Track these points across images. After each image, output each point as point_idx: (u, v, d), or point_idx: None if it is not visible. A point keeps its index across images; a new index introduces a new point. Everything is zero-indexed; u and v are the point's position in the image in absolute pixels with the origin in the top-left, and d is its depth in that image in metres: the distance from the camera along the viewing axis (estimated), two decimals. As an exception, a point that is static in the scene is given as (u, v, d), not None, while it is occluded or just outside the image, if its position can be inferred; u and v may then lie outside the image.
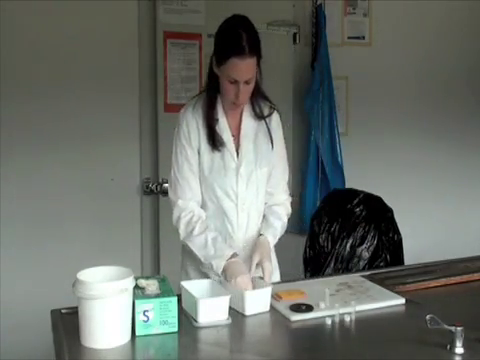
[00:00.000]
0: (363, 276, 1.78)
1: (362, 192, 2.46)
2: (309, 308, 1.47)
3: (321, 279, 1.82)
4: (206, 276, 1.69)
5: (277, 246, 1.91)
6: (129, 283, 1.32)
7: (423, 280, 1.69)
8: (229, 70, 1.63)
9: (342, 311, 1.45)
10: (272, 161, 1.81)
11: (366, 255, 2.35)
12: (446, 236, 3.30)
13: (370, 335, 1.40)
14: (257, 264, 1.66)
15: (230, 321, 1.42)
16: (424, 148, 3.36)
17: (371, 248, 2.40)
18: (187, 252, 1.77)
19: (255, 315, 1.47)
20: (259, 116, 1.79)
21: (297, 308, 1.47)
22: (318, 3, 3.18)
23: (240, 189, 1.75)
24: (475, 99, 3.47)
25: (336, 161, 3.09)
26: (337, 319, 1.43)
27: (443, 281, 1.69)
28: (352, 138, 3.26)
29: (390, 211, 2.43)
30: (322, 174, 3.08)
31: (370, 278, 1.74)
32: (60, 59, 2.51)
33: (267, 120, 1.80)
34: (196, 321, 1.40)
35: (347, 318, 1.43)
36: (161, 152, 2.69)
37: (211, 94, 1.73)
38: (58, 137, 2.53)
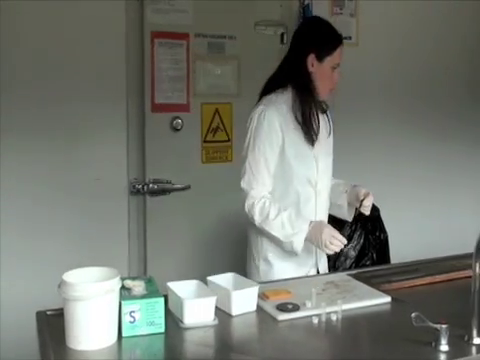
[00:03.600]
0: (349, 275, 1.79)
1: None
2: (296, 307, 1.48)
3: (308, 278, 1.82)
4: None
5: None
6: (115, 284, 1.32)
7: (409, 278, 1.70)
8: (337, 57, 1.89)
9: (328, 310, 1.45)
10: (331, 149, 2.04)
11: (353, 254, 2.37)
12: (432, 234, 3.32)
13: (356, 334, 1.41)
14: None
15: (217, 322, 1.42)
16: (413, 148, 3.38)
17: (358, 247, 2.41)
18: (265, 240, 1.90)
19: (242, 315, 1.47)
20: (324, 110, 2.01)
21: (284, 307, 1.48)
22: (305, 3, 3.19)
23: (319, 176, 1.94)
24: (463, 96, 3.51)
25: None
26: (324, 318, 1.44)
27: (428, 279, 1.70)
28: (339, 137, 3.25)
29: (377, 210, 2.44)
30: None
31: (356, 277, 1.75)
32: (46, 59, 2.49)
33: (327, 113, 2.03)
34: (182, 322, 1.40)
35: (334, 317, 1.44)
36: (148, 152, 2.69)
37: (305, 92, 1.89)
38: (44, 137, 2.51)
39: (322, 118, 2.00)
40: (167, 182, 2.73)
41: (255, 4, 2.96)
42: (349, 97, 3.29)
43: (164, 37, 2.75)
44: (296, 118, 1.88)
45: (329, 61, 1.89)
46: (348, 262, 2.16)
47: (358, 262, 2.38)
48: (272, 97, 1.92)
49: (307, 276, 1.87)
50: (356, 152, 3.30)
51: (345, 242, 1.79)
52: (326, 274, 1.86)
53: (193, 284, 1.53)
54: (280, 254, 1.89)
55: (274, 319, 1.44)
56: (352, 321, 1.45)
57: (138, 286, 1.43)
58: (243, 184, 1.89)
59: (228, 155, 2.94)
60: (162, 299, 1.38)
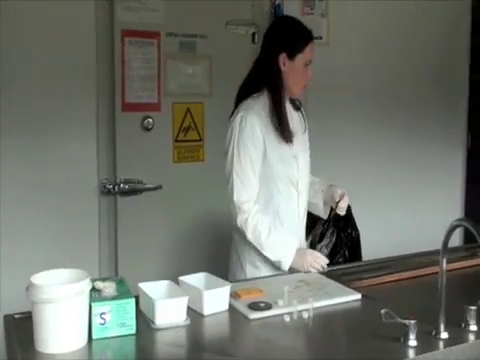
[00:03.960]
0: (321, 273, 1.81)
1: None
2: (268, 306, 1.48)
3: (279, 277, 1.83)
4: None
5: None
6: (85, 286, 1.30)
7: (378, 275, 1.73)
8: (308, 53, 1.91)
9: (300, 308, 1.46)
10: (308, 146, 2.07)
11: (325, 252, 2.38)
12: (402, 231, 3.38)
13: (327, 331, 1.42)
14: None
15: (188, 322, 1.41)
16: (383, 146, 3.42)
17: (330, 245, 2.44)
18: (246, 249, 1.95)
19: (214, 314, 1.47)
20: (297, 108, 2.05)
21: (256, 306, 1.48)
22: (276, 3, 3.20)
23: (300, 175, 1.97)
24: (431, 96, 3.58)
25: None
26: (295, 316, 1.45)
27: (397, 276, 1.73)
28: (311, 136, 3.29)
29: (349, 208, 2.47)
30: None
31: (327, 275, 1.77)
32: (16, 58, 2.44)
33: (302, 111, 2.07)
34: (154, 323, 1.39)
35: (305, 315, 1.45)
36: (119, 152, 2.66)
37: (276, 92, 1.91)
38: (13, 137, 2.46)
39: (297, 116, 2.03)
40: (138, 182, 2.71)
41: (226, 4, 2.96)
42: (319, 96, 3.32)
43: (134, 36, 2.73)
44: (272, 120, 1.89)
45: (301, 58, 1.90)
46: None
47: (331, 260, 2.40)
48: (250, 102, 1.92)
49: (279, 274, 1.88)
50: (326, 150, 3.32)
51: (327, 262, 1.88)
52: (297, 272, 1.87)
53: (165, 284, 1.52)
54: (268, 259, 1.93)
55: (246, 318, 1.45)
56: (323, 318, 1.46)
57: (109, 287, 1.41)
58: (235, 198, 1.89)
59: (200, 154, 2.93)
60: (133, 300, 1.37)
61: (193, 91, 2.93)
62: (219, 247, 2.92)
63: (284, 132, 1.89)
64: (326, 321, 1.46)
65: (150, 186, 2.75)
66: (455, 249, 2.03)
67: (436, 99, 3.60)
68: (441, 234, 1.36)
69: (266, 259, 1.92)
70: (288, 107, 2.01)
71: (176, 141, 2.87)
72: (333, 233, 2.45)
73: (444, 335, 1.32)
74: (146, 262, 2.68)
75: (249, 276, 1.93)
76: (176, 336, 1.36)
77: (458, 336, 1.33)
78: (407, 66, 3.47)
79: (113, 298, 1.36)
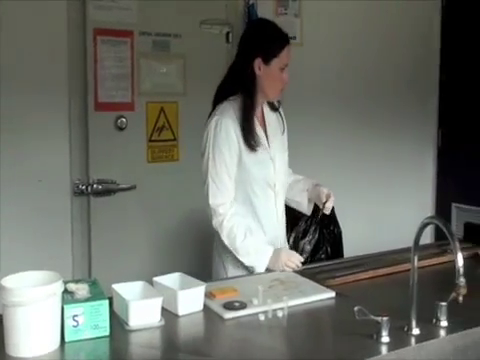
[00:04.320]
0: (295, 271, 1.82)
1: None
2: (242, 305, 1.49)
3: (254, 276, 1.84)
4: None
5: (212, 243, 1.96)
6: (57, 288, 1.28)
7: (352, 273, 1.75)
8: (284, 57, 1.89)
9: (274, 307, 1.47)
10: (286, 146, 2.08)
11: (308, 248, 2.41)
12: (382, 229, 3.42)
13: (302, 329, 1.43)
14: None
15: (163, 322, 1.40)
16: (356, 145, 3.46)
17: (313, 241, 2.46)
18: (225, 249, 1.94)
19: (188, 315, 1.47)
20: (275, 109, 2.06)
21: (230, 306, 1.48)
22: (250, 3, 3.20)
23: (276, 177, 1.97)
24: (406, 95, 3.63)
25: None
26: (270, 315, 1.45)
27: (370, 273, 1.75)
28: (287, 135, 3.31)
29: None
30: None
31: (302, 273, 1.79)
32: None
33: (280, 111, 2.08)
34: (127, 324, 1.38)
35: (280, 313, 1.46)
36: (92, 152, 2.63)
37: (249, 97, 1.90)
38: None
39: (274, 117, 2.04)
40: (112, 182, 2.69)
41: (200, 3, 2.96)
42: (294, 97, 3.33)
43: (107, 34, 2.70)
44: (241, 125, 1.89)
45: (276, 63, 1.89)
46: (304, 256, 2.21)
47: (313, 256, 2.44)
48: (226, 105, 1.92)
49: (254, 274, 1.88)
50: (303, 151, 3.34)
51: (302, 259, 1.88)
52: (272, 271, 1.88)
53: (139, 285, 1.51)
54: None
55: (221, 318, 1.45)
56: (297, 317, 1.47)
57: (81, 289, 1.39)
58: (211, 201, 1.90)
59: (174, 154, 2.92)
60: (106, 302, 1.35)
61: (167, 90, 2.92)
62: (194, 247, 2.91)
63: (248, 141, 1.88)
64: (300, 319, 1.47)
65: (124, 186, 2.72)
66: (426, 246, 2.06)
67: (408, 98, 3.66)
68: (414, 231, 1.38)
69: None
70: (265, 109, 2.02)
71: (150, 141, 2.85)
72: (316, 230, 2.48)
73: (416, 331, 1.34)
74: (120, 263, 2.66)
75: (231, 275, 1.94)
76: (150, 337, 1.36)
77: (429, 332, 1.35)
78: (380, 66, 3.52)
79: (86, 300, 1.35)
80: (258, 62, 1.88)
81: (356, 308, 1.31)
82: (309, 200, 2.11)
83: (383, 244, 2.11)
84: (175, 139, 2.93)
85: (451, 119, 3.69)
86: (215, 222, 1.91)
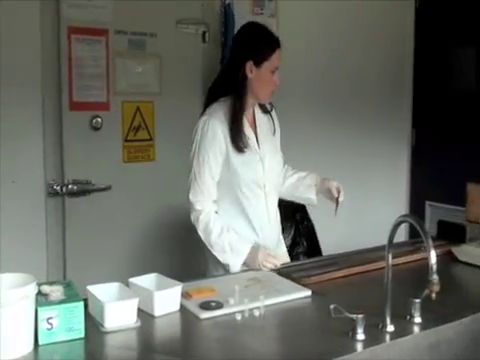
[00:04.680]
0: (272, 270, 1.82)
1: None
2: (219, 305, 1.49)
3: (231, 275, 1.84)
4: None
5: (192, 244, 1.96)
6: (30, 290, 1.26)
7: (327, 272, 1.76)
8: (275, 60, 1.93)
9: (251, 306, 1.47)
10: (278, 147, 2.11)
11: (287, 243, 2.43)
12: (356, 226, 3.45)
13: (278, 328, 1.44)
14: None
15: (139, 323, 1.39)
16: (333, 143, 3.49)
17: (290, 237, 2.50)
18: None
19: (165, 315, 1.46)
20: (266, 111, 2.08)
21: (207, 306, 1.48)
22: (227, 2, 3.20)
23: (266, 177, 1.98)
24: (377, 94, 3.68)
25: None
26: (247, 314, 1.46)
27: (345, 272, 1.77)
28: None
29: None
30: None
31: (278, 272, 1.79)
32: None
33: (272, 114, 2.10)
34: (103, 326, 1.36)
35: (256, 313, 1.46)
36: (66, 152, 2.60)
37: (239, 99, 1.92)
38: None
39: (265, 118, 2.08)
40: (87, 182, 2.66)
41: (176, 2, 2.95)
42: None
43: (82, 33, 2.67)
44: (229, 127, 1.91)
45: (267, 66, 1.92)
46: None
47: (292, 251, 2.47)
48: (216, 107, 1.94)
49: (231, 273, 1.88)
50: (281, 149, 3.36)
51: (278, 264, 1.86)
52: (249, 270, 1.88)
53: (114, 287, 1.50)
54: None
55: (197, 318, 1.44)
56: (274, 316, 1.48)
57: (56, 291, 1.38)
58: (190, 196, 1.94)
59: (150, 154, 2.90)
60: (81, 303, 1.34)
61: (143, 90, 2.90)
62: (170, 247, 2.90)
63: (235, 142, 1.90)
64: (277, 318, 1.48)
65: (99, 187, 2.69)
66: (401, 244, 2.09)
67: (384, 98, 3.71)
68: (388, 229, 1.40)
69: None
70: (257, 111, 2.05)
71: (126, 141, 2.83)
72: (291, 226, 2.52)
73: (390, 328, 1.36)
74: (96, 264, 2.63)
75: (211, 272, 1.97)
76: (126, 338, 1.35)
77: (403, 329, 1.37)
78: (355, 66, 3.55)
79: (60, 302, 1.33)
80: (249, 65, 1.91)
81: (332, 306, 1.32)
82: (317, 193, 2.13)
83: (358, 242, 2.13)
84: (151, 139, 2.91)
85: (425, 118, 3.75)
86: (193, 216, 1.93)
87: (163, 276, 1.59)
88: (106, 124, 2.73)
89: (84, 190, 2.66)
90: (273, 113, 2.11)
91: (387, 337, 1.34)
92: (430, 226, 3.30)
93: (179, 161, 3.03)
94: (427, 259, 1.28)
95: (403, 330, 1.37)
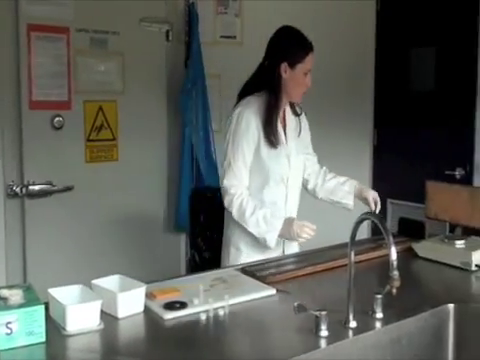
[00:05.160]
0: (237, 270, 1.83)
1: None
2: (183, 305, 1.48)
3: (196, 275, 1.83)
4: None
5: (156, 244, 1.94)
6: (-12, 294, 1.23)
7: (292, 270, 1.78)
8: (308, 63, 2.06)
9: (216, 306, 1.47)
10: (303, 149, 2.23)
11: None
12: (320, 223, 3.48)
13: (243, 327, 1.44)
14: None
15: (102, 326, 1.37)
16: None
17: None
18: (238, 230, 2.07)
19: (128, 317, 1.44)
20: (297, 114, 2.20)
21: (171, 306, 1.47)
22: (190, 1, 3.19)
23: (291, 173, 2.13)
24: (340, 94, 3.72)
25: (210, 158, 3.13)
26: (211, 314, 1.45)
27: (310, 269, 1.79)
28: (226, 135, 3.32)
29: None
30: (197, 171, 3.10)
31: (243, 271, 1.80)
32: None
33: (301, 117, 2.22)
34: (65, 329, 1.34)
35: (221, 312, 1.46)
36: (26, 152, 2.54)
37: (273, 96, 2.05)
38: None
39: (294, 120, 2.19)
40: (48, 183, 2.61)
41: (139, 1, 2.92)
42: (234, 93, 3.35)
43: (42, 31, 2.62)
44: (263, 121, 2.04)
45: (301, 68, 2.05)
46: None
47: None
48: (250, 99, 2.07)
49: (196, 273, 1.88)
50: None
51: (314, 227, 1.98)
52: (214, 270, 1.88)
53: (76, 289, 1.47)
54: (251, 243, 2.07)
55: (161, 318, 1.43)
56: (239, 315, 1.48)
57: (15, 295, 1.34)
58: (225, 182, 2.05)
59: (113, 154, 2.87)
60: (42, 307, 1.31)
61: (105, 89, 2.87)
62: (134, 248, 2.87)
63: (268, 136, 2.03)
64: (241, 317, 1.48)
65: (61, 188, 2.65)
66: (363, 241, 2.13)
67: (346, 98, 3.75)
68: (351, 226, 1.42)
69: (248, 242, 2.06)
70: (287, 111, 2.17)
71: (88, 140, 2.79)
72: None
73: (353, 324, 1.38)
74: (57, 267, 2.58)
75: (232, 260, 2.08)
76: (89, 341, 1.32)
77: (366, 324, 1.39)
78: (318, 66, 3.57)
79: (20, 306, 1.30)
80: (284, 66, 2.05)
81: (295, 304, 1.33)
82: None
83: (322, 240, 2.16)
84: (114, 139, 2.87)
85: (386, 118, 3.82)
86: (226, 201, 2.04)
87: (127, 277, 1.57)
88: (68, 124, 2.68)
89: (45, 191, 2.61)
90: (302, 116, 2.24)
91: (350, 333, 1.36)
92: (392, 223, 3.37)
93: (143, 161, 3.02)
94: (389, 255, 1.30)
95: (365, 326, 1.39)
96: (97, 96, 2.81)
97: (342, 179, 2.30)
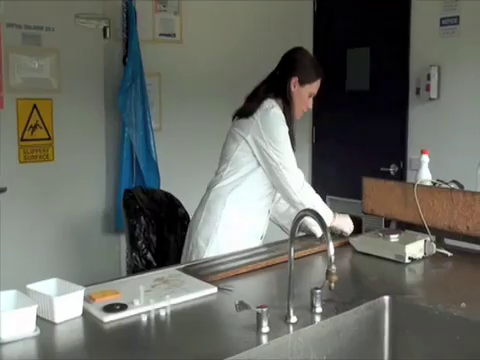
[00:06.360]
0: (179, 269, 1.81)
1: (153, 190, 2.55)
2: (123, 307, 1.45)
3: (137, 276, 1.81)
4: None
5: (95, 246, 1.89)
6: None
7: (233, 268, 1.78)
8: (314, 87, 2.20)
9: (157, 306, 1.45)
10: None
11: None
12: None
13: (185, 326, 1.43)
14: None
15: (38, 332, 1.33)
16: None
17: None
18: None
19: (66, 321, 1.40)
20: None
21: (110, 308, 1.44)
22: (128, -1, 3.13)
23: None
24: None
25: (151, 157, 3.09)
26: (153, 315, 1.44)
27: (251, 267, 1.80)
28: (165, 133, 3.30)
29: (181, 206, 2.53)
30: (137, 171, 3.06)
31: (185, 271, 1.79)
32: None
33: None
34: (-2, 337, 1.28)
35: (162, 313, 1.45)
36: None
37: (287, 104, 2.15)
38: None
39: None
40: (-21, 185, 2.49)
41: (75, -4, 2.85)
42: (172, 91, 3.34)
43: (-31, 25, 2.50)
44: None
45: (308, 88, 2.17)
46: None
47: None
48: (274, 103, 2.13)
49: (135, 274, 1.85)
50: (183, 146, 3.36)
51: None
52: (156, 270, 1.86)
53: (10, 294, 1.41)
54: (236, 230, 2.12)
55: (101, 321, 1.40)
56: (180, 315, 1.47)
57: None
58: (295, 189, 2.10)
59: (49, 154, 2.78)
60: (-28, 315, 1.25)
61: (40, 87, 2.77)
62: (72, 251, 2.80)
63: (293, 140, 2.14)
64: (183, 317, 1.47)
65: (-7, 189, 2.54)
66: (302, 238, 2.17)
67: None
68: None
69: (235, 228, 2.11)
70: None
71: (22, 140, 2.69)
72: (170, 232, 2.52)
73: (293, 319, 1.40)
74: (-10, 272, 2.47)
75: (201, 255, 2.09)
76: (24, 349, 1.27)
77: (306, 319, 1.42)
78: (257, 64, 3.60)
79: None
80: (295, 80, 2.16)
81: (236, 301, 1.34)
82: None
83: (265, 236, 2.19)
84: (50, 138, 2.79)
85: (323, 117, 3.91)
86: (300, 180, 2.13)
87: (64, 281, 1.52)
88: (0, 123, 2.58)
89: (-24, 193, 2.49)
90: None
91: (291, 328, 1.38)
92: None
93: (80, 161, 2.94)
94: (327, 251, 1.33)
95: (305, 320, 1.41)
96: (31, 94, 2.72)
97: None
